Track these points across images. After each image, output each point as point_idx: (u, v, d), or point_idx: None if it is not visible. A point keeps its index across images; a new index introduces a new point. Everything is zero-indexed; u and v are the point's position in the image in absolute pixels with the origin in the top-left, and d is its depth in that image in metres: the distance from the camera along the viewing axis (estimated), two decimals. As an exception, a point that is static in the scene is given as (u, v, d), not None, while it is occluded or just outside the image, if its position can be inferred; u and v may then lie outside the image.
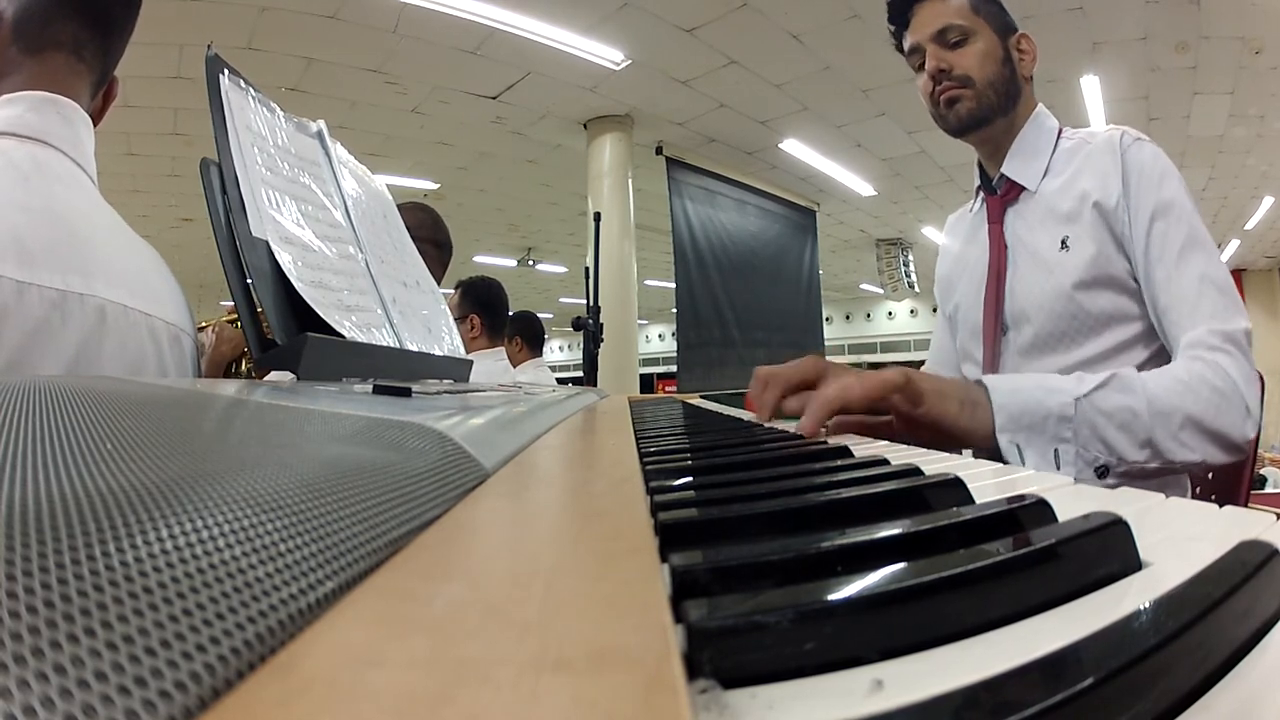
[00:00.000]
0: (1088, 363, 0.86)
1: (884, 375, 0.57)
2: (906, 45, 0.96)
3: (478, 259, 8.20)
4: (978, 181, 1.01)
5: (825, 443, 0.47)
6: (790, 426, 0.61)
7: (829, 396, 0.60)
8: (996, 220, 0.96)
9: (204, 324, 1.32)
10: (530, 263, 8.63)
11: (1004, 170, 0.94)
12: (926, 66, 0.93)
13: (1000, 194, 0.96)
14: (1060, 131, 0.94)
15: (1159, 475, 0.72)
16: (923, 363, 1.14)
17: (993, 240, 0.96)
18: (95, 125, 0.67)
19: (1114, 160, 0.85)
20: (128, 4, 0.67)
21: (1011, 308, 0.93)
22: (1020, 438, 0.68)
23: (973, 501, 0.26)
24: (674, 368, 4.98)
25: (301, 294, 0.59)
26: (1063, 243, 0.87)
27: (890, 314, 12.11)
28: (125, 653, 0.08)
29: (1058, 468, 0.70)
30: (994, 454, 0.77)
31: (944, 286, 1.09)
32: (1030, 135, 0.94)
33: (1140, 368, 0.83)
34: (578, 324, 2.17)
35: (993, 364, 0.95)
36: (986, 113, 0.92)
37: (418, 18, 3.58)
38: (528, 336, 2.51)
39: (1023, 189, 0.93)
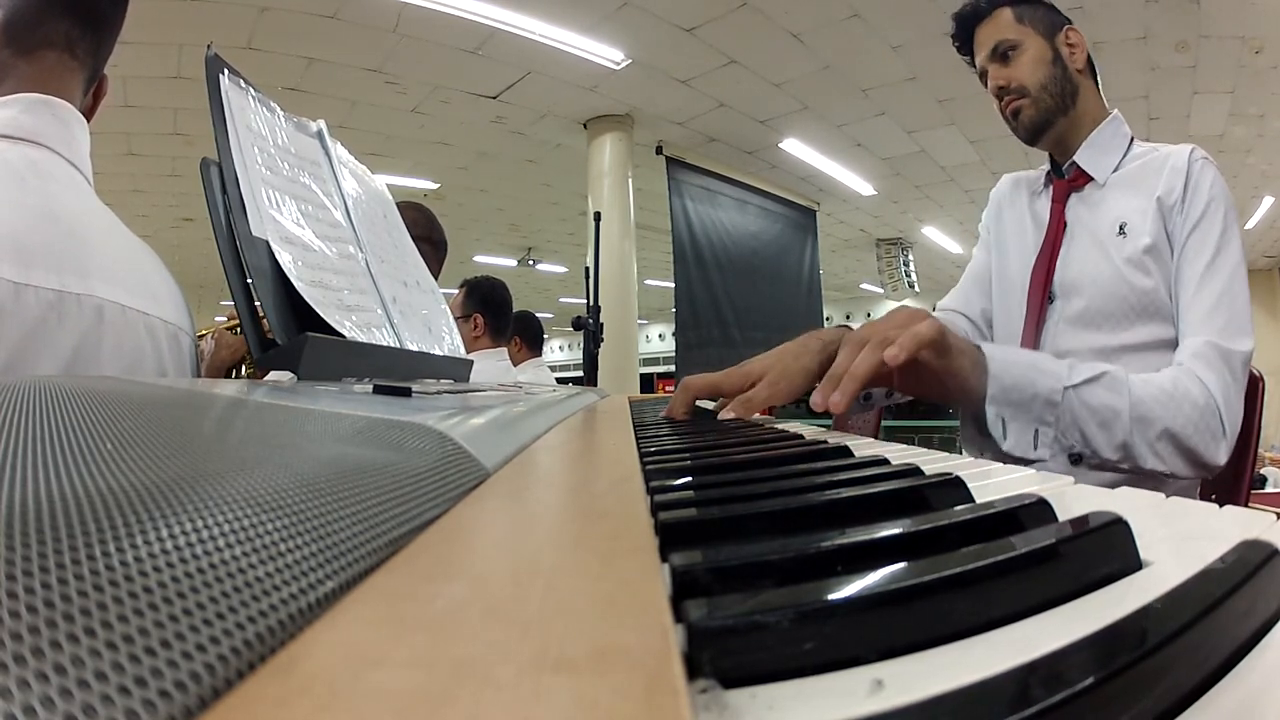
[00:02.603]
0: (1129, 349, 0.89)
1: (920, 334, 0.55)
2: (978, 70, 1.03)
3: (478, 259, 8.20)
4: (1047, 166, 1.05)
5: (825, 443, 0.47)
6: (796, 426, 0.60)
7: (871, 361, 0.56)
8: (1060, 200, 1.00)
9: (203, 331, 1.33)
10: (530, 263, 8.63)
11: (1076, 158, 0.98)
12: (989, 87, 1.00)
13: (1068, 179, 0.99)
14: (1132, 140, 0.99)
15: (1131, 474, 0.76)
16: None
17: (1053, 216, 1.00)
18: (88, 123, 0.67)
19: (1182, 168, 0.90)
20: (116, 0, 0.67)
21: (1062, 278, 0.96)
22: (1007, 412, 0.71)
23: (973, 501, 0.26)
24: (674, 367, 4.97)
25: (302, 294, 0.59)
26: (1120, 228, 0.92)
27: (890, 314, 12.07)
28: (125, 653, 0.08)
29: (1035, 447, 0.74)
30: (980, 429, 0.83)
31: (988, 238, 1.11)
32: (1106, 133, 0.98)
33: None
34: (578, 324, 2.17)
35: (1035, 330, 0.97)
36: (1047, 115, 0.97)
37: (418, 17, 3.58)
38: (527, 336, 2.51)
39: (1090, 179, 0.97)
